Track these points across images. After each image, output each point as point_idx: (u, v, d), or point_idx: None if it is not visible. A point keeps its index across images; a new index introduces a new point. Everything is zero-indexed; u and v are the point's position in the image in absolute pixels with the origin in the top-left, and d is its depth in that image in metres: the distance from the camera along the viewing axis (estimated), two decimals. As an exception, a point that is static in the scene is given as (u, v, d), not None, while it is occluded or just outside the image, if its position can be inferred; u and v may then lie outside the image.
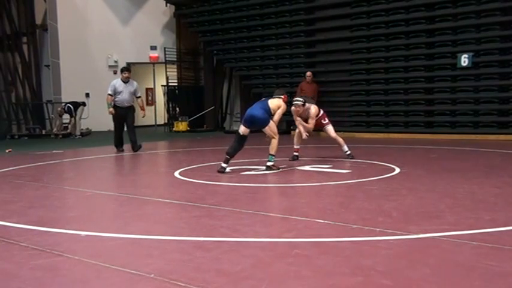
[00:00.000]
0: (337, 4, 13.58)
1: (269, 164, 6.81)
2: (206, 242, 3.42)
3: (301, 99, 7.55)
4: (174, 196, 5.21)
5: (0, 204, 4.89)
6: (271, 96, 7.12)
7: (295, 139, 7.82)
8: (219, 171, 6.64)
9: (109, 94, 10.01)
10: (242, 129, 6.83)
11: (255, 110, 6.79)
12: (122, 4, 17.88)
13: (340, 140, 7.90)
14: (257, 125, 6.81)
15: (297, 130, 7.78)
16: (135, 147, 10.02)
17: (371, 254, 3.07)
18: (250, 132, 6.92)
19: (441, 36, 12.13)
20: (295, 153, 7.79)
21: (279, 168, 6.84)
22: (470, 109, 11.93)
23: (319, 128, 8.07)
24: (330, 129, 7.90)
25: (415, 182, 5.73)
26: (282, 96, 6.98)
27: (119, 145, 10.20)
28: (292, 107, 7.59)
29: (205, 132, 16.22)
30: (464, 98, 11.99)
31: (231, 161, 6.78)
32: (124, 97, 9.94)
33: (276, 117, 6.84)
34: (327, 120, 7.94)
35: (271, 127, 6.75)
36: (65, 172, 7.81)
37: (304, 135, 7.55)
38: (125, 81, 9.98)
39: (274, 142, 6.77)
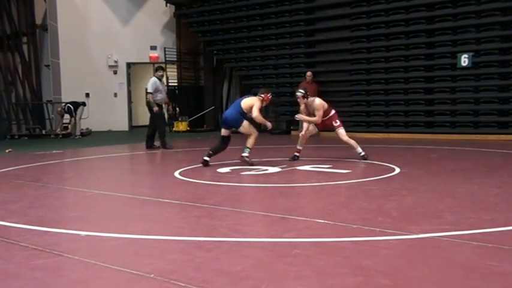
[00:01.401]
0: (337, 4, 13.59)
1: (243, 154, 7.13)
2: (206, 242, 3.41)
3: (301, 91, 7.60)
4: (174, 196, 5.20)
5: (0, 204, 4.89)
6: (251, 94, 7.56)
7: (300, 139, 7.77)
8: (201, 163, 7.15)
9: (151, 92, 10.05)
10: (222, 131, 7.35)
11: (228, 112, 7.29)
12: (122, 4, 17.88)
13: (352, 142, 7.60)
14: (232, 126, 7.23)
15: (302, 132, 7.75)
16: (166, 145, 10.40)
17: (371, 254, 3.07)
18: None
19: (441, 36, 12.13)
20: (296, 154, 7.73)
21: (253, 164, 7.10)
22: (470, 109, 11.94)
23: (329, 129, 7.80)
24: (341, 132, 7.59)
25: (415, 182, 5.73)
26: (263, 96, 7.22)
27: (153, 143, 10.35)
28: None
29: (205, 132, 16.22)
30: (464, 98, 12.00)
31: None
32: (164, 95, 10.29)
33: (254, 115, 7.10)
34: (338, 123, 7.62)
35: (245, 127, 7.13)
36: (65, 172, 7.81)
37: (312, 127, 7.58)
38: (160, 79, 10.27)
39: (252, 138, 7.17)
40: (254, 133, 7.18)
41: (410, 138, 12.02)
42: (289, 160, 7.64)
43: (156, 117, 10.20)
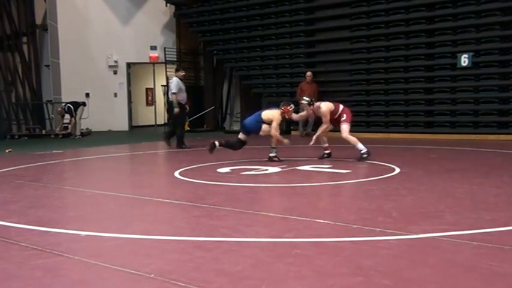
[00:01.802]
0: (337, 4, 13.59)
1: (271, 155, 7.60)
2: (206, 242, 3.41)
3: (307, 99, 7.81)
4: (174, 196, 5.20)
5: (0, 204, 4.89)
6: (273, 106, 7.97)
7: (322, 140, 7.81)
8: (209, 145, 7.48)
9: (175, 93, 10.05)
10: (240, 135, 7.71)
11: (248, 121, 7.68)
12: (122, 4, 17.88)
13: (352, 139, 7.53)
14: (251, 131, 7.62)
15: (318, 133, 7.78)
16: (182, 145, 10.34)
17: (371, 254, 3.07)
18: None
19: (441, 36, 12.13)
20: (326, 151, 7.86)
21: (280, 160, 7.52)
22: (470, 109, 11.93)
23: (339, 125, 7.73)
24: (343, 127, 7.57)
25: (415, 182, 5.73)
26: (283, 108, 7.54)
27: (184, 143, 10.34)
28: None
29: (205, 132, 16.22)
30: (464, 98, 12.00)
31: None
32: (185, 94, 10.33)
33: (272, 132, 7.43)
34: (345, 117, 7.58)
35: (265, 130, 7.47)
36: (65, 172, 7.81)
37: (327, 127, 7.69)
38: (182, 79, 10.32)
39: (274, 138, 7.50)
40: (275, 133, 7.49)
41: (410, 138, 12.02)
42: (319, 158, 7.80)
43: (176, 118, 10.24)
